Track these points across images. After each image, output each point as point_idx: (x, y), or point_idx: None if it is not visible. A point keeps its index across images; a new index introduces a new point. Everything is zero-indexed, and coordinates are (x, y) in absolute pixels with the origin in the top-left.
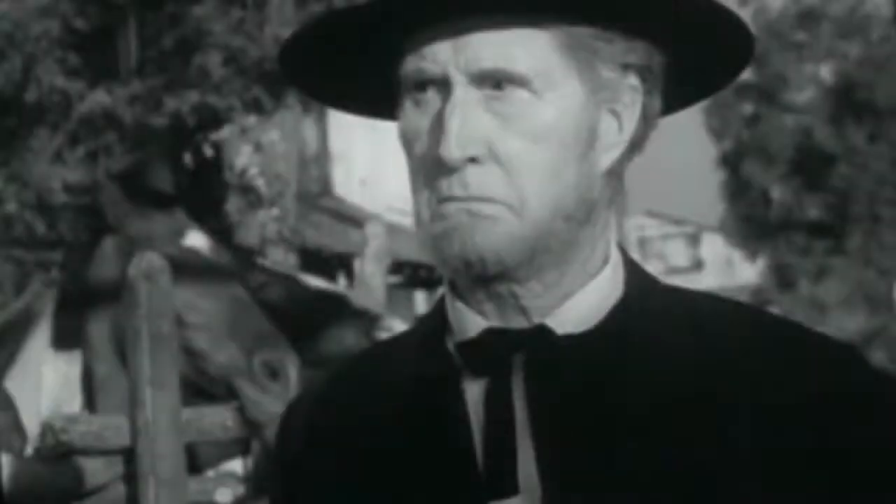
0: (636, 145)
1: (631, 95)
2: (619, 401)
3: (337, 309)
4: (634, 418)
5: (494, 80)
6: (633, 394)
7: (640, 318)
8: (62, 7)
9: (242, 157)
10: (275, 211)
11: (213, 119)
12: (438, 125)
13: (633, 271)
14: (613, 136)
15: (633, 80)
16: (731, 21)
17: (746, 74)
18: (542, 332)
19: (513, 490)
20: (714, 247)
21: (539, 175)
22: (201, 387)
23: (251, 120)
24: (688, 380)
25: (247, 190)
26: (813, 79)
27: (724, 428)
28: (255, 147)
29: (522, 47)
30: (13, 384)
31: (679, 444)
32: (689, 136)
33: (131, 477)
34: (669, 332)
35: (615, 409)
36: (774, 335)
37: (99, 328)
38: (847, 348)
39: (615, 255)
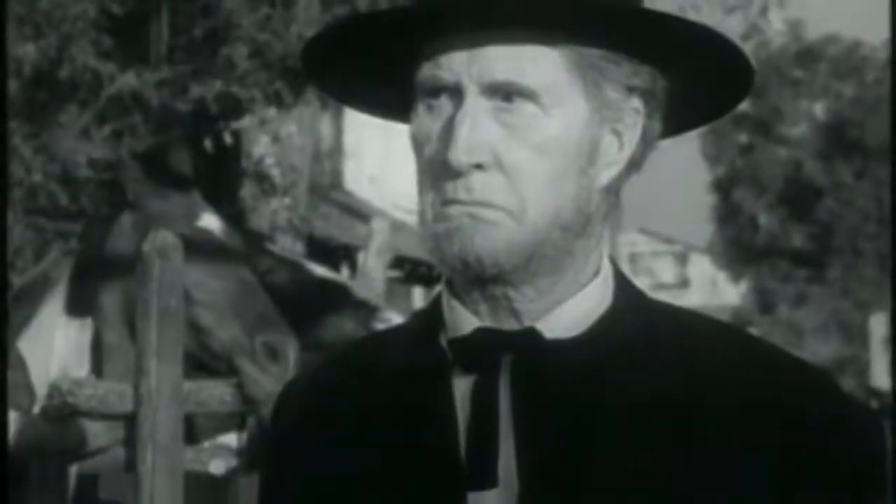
0: (634, 165)
1: (633, 117)
2: (600, 405)
3: (338, 298)
4: (613, 423)
5: (505, 92)
6: (614, 399)
7: (626, 329)
8: None
9: (260, 147)
10: (287, 200)
11: (235, 108)
12: (448, 131)
13: (623, 284)
14: (613, 155)
15: (636, 102)
16: (734, 53)
17: (744, 105)
18: (532, 334)
19: (492, 483)
20: (701, 267)
21: (540, 185)
22: (204, 361)
23: (271, 112)
24: (668, 390)
25: (262, 178)
26: (807, 114)
27: (700, 439)
28: (273, 138)
29: (534, 63)
30: (26, 345)
31: (655, 452)
32: (684, 160)
33: (131, 442)
34: (653, 344)
35: (595, 413)
36: (753, 354)
37: (111, 299)
38: (821, 373)
39: (606, 268)
